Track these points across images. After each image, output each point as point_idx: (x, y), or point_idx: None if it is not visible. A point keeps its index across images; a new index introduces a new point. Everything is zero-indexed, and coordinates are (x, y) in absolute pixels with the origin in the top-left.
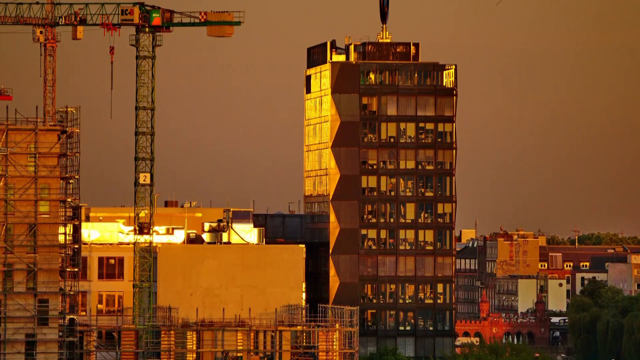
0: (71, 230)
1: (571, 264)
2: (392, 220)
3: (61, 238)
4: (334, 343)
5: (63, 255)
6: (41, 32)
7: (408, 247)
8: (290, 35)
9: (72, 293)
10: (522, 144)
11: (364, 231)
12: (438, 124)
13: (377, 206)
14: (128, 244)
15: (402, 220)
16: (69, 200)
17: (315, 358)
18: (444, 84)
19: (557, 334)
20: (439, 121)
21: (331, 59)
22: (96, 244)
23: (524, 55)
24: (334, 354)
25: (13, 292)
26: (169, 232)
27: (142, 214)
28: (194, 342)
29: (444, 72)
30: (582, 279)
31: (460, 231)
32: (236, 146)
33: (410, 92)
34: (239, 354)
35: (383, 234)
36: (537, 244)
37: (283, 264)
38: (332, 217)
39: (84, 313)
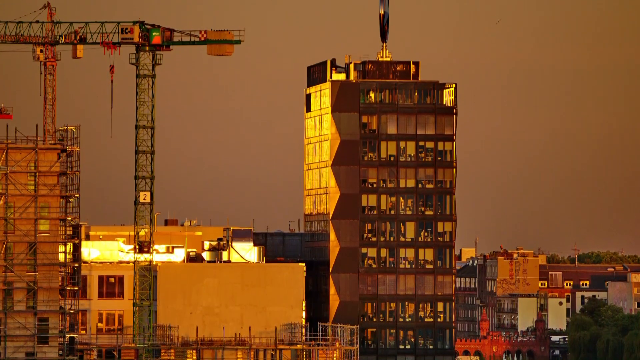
0: (71, 249)
1: (571, 283)
2: (392, 238)
3: (61, 256)
4: None
5: (63, 273)
6: (41, 51)
7: (408, 266)
8: (290, 54)
9: (72, 311)
10: (522, 162)
11: (364, 250)
12: (438, 143)
13: (377, 225)
14: (128, 262)
15: (402, 239)
16: (69, 218)
17: None
18: (444, 102)
19: (557, 352)
20: (439, 140)
21: (331, 77)
22: (96, 262)
23: (524, 74)
24: None
25: (13, 311)
26: (169, 250)
27: (142, 233)
28: None
29: (444, 90)
30: (582, 297)
31: (460, 250)
32: (236, 165)
33: (410, 110)
34: None
35: (383, 252)
36: (537, 262)
37: (283, 282)
38: (332, 236)
39: (84, 331)
